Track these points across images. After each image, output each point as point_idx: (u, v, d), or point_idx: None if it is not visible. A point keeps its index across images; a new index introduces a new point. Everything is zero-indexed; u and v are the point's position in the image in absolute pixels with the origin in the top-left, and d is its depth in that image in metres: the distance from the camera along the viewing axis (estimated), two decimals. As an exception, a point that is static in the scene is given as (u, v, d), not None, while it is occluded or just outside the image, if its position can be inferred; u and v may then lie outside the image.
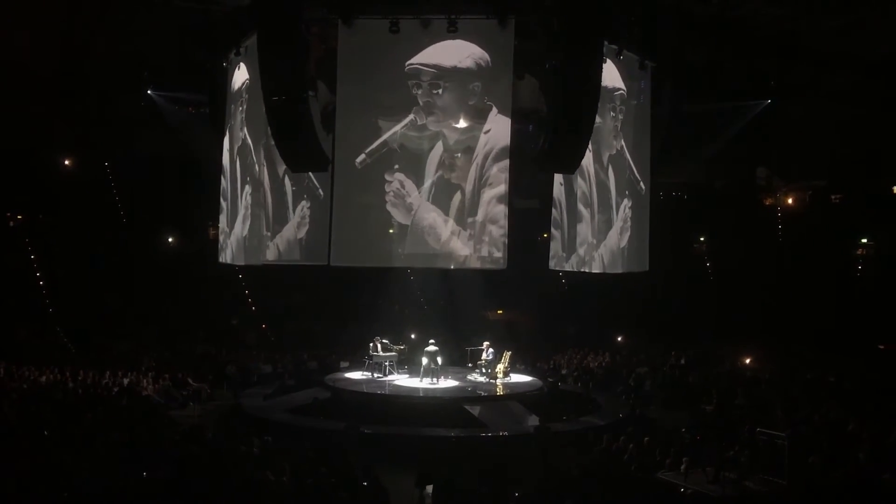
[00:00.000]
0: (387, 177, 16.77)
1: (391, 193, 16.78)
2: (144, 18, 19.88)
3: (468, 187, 16.65)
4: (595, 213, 17.78)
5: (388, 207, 16.80)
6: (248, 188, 17.99)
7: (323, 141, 15.88)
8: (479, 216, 16.59)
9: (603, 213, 17.83)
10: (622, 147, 18.06)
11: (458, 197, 16.68)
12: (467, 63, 16.28)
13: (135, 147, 27.58)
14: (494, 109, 16.42)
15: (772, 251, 29.20)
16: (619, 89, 17.54)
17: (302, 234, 18.94)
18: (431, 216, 16.77)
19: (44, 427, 13.02)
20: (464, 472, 11.09)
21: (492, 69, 16.25)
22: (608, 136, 17.65)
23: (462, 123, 16.54)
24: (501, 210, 16.53)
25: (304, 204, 18.88)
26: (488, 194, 16.52)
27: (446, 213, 16.68)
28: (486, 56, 16.20)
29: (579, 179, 17.41)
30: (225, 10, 18.09)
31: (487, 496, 10.10)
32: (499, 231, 16.56)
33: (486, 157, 16.50)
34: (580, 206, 17.61)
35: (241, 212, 18.13)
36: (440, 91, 16.40)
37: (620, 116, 17.78)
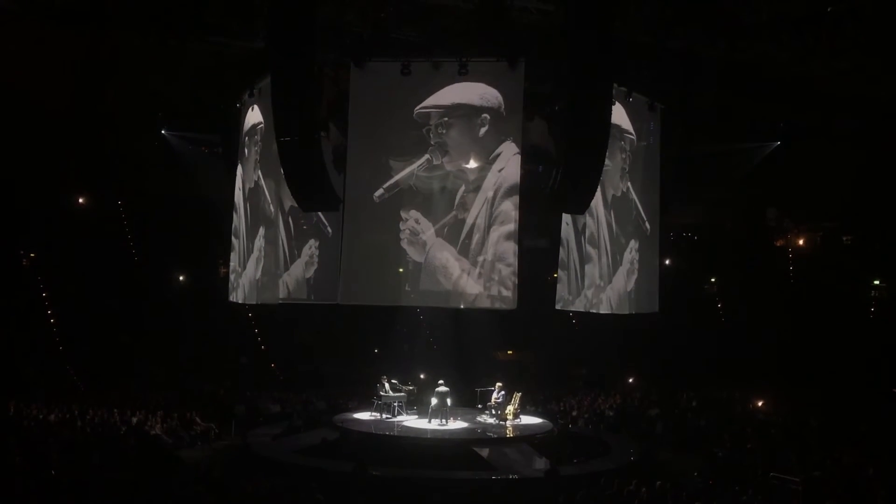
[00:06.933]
0: (402, 214, 16.88)
1: (407, 231, 16.88)
2: (159, 59, 20.18)
3: (478, 226, 16.68)
4: (602, 254, 17.78)
5: (405, 245, 16.87)
6: (261, 229, 18.09)
7: (334, 181, 16.01)
8: (489, 255, 16.59)
9: (610, 254, 17.82)
10: (628, 189, 18.12)
11: (468, 235, 16.72)
12: (473, 99, 16.49)
13: (148, 186, 27.92)
14: (510, 146, 16.52)
15: (783, 293, 29.04)
16: (628, 131, 17.68)
17: (310, 273, 18.97)
18: (444, 255, 16.81)
19: (51, 466, 12.95)
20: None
21: (502, 106, 16.40)
22: (616, 177, 17.73)
23: (473, 163, 16.66)
24: (511, 249, 16.53)
25: (313, 242, 18.93)
26: (498, 233, 16.54)
27: (457, 251, 16.73)
28: (496, 93, 16.39)
29: (587, 220, 17.50)
30: (239, 53, 18.36)
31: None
32: (508, 270, 16.55)
33: (496, 196, 16.58)
34: (588, 247, 17.65)
35: (255, 252, 18.21)
36: (447, 129, 16.58)
37: (629, 158, 17.87)
